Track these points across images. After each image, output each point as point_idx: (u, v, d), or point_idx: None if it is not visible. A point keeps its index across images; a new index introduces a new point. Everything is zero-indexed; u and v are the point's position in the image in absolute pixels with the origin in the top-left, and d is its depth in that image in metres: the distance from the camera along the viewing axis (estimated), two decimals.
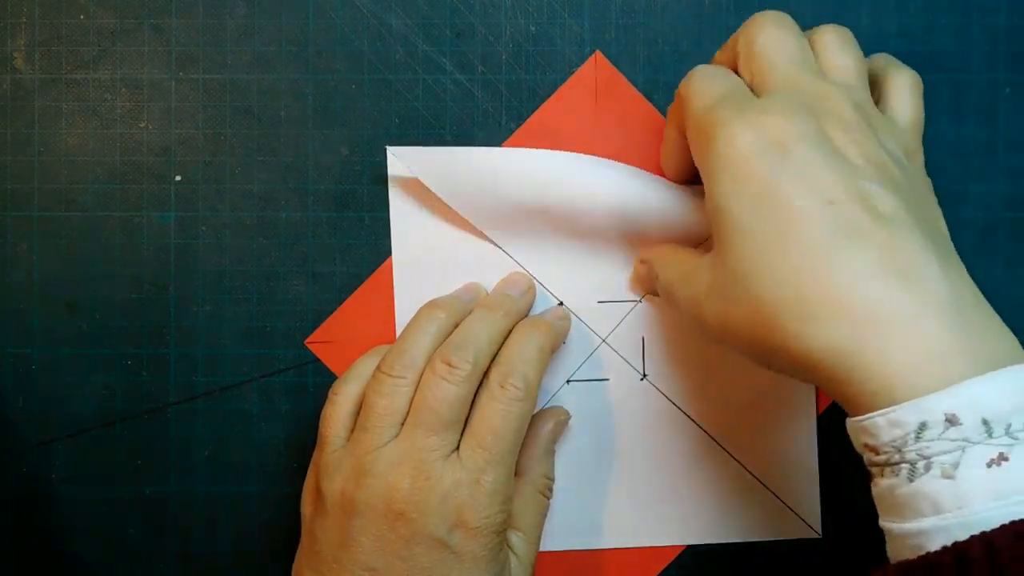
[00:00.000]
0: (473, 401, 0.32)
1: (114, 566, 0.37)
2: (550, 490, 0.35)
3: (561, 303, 0.37)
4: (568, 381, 0.37)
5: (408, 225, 0.37)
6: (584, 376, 0.37)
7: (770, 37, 0.30)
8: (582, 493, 0.37)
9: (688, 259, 0.32)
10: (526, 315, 0.36)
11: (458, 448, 0.32)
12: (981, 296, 0.26)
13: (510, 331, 0.34)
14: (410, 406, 0.32)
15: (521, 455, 0.34)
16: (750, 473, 0.37)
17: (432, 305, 0.34)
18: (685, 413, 0.37)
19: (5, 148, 0.37)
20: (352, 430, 0.33)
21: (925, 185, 0.30)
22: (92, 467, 0.37)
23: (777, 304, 0.26)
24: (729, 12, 0.37)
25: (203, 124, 0.37)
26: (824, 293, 0.25)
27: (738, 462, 0.37)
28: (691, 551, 0.37)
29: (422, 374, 0.32)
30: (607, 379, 0.37)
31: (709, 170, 0.28)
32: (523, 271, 0.37)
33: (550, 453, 0.36)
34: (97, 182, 0.37)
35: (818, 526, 0.37)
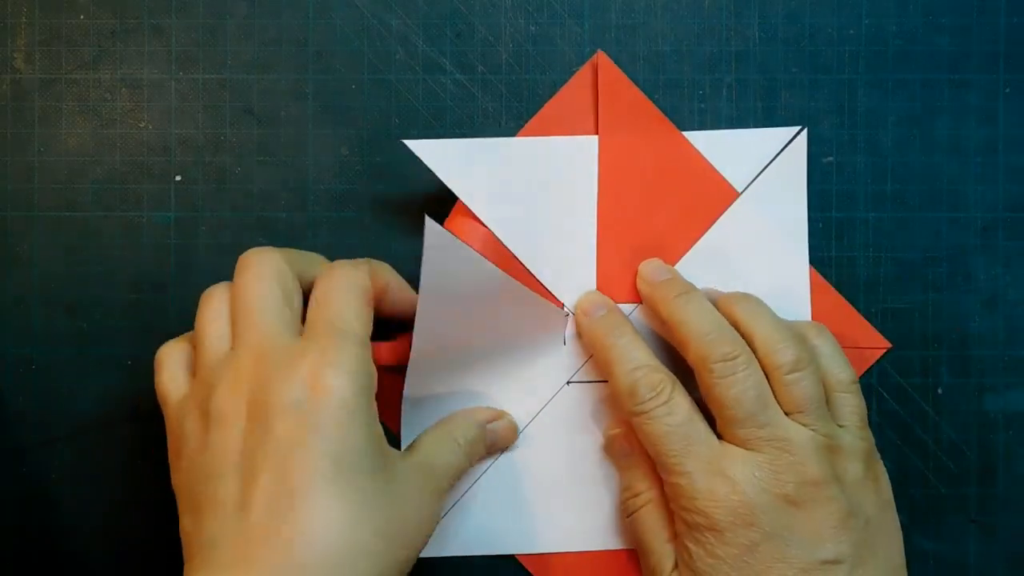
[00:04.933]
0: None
1: (114, 566, 0.37)
2: (472, 449, 0.34)
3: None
4: (568, 383, 0.37)
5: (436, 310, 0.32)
6: (584, 378, 0.37)
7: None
8: (582, 494, 0.37)
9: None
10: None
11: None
12: None
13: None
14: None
15: (452, 417, 0.34)
16: None
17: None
18: None
19: (5, 148, 0.37)
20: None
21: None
22: (92, 467, 0.37)
23: None
24: (729, 12, 0.37)
25: (203, 124, 0.37)
26: None
27: None
28: None
29: None
30: (606, 381, 0.37)
31: None
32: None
33: (480, 429, 0.34)
34: (97, 182, 0.37)
35: None
